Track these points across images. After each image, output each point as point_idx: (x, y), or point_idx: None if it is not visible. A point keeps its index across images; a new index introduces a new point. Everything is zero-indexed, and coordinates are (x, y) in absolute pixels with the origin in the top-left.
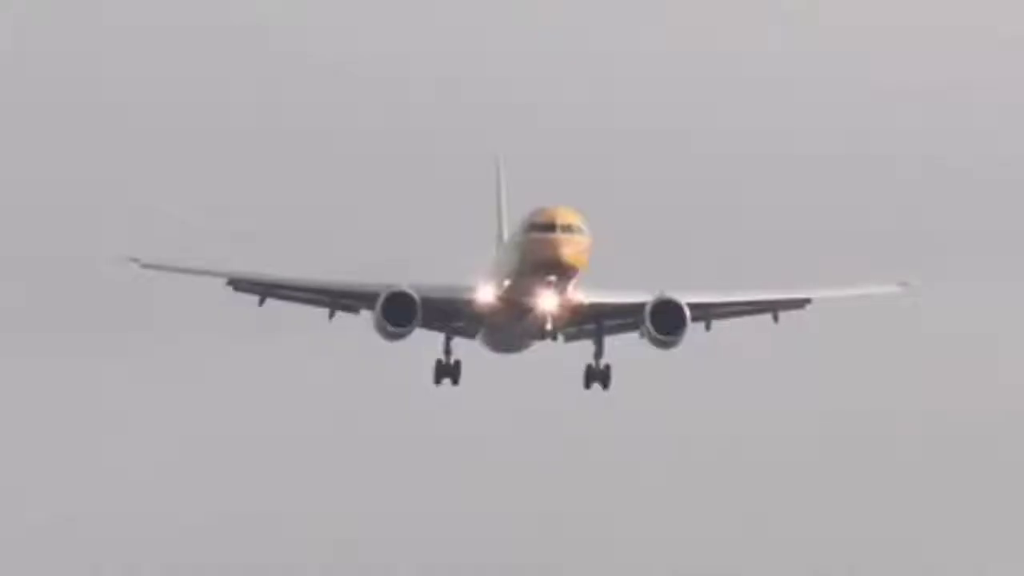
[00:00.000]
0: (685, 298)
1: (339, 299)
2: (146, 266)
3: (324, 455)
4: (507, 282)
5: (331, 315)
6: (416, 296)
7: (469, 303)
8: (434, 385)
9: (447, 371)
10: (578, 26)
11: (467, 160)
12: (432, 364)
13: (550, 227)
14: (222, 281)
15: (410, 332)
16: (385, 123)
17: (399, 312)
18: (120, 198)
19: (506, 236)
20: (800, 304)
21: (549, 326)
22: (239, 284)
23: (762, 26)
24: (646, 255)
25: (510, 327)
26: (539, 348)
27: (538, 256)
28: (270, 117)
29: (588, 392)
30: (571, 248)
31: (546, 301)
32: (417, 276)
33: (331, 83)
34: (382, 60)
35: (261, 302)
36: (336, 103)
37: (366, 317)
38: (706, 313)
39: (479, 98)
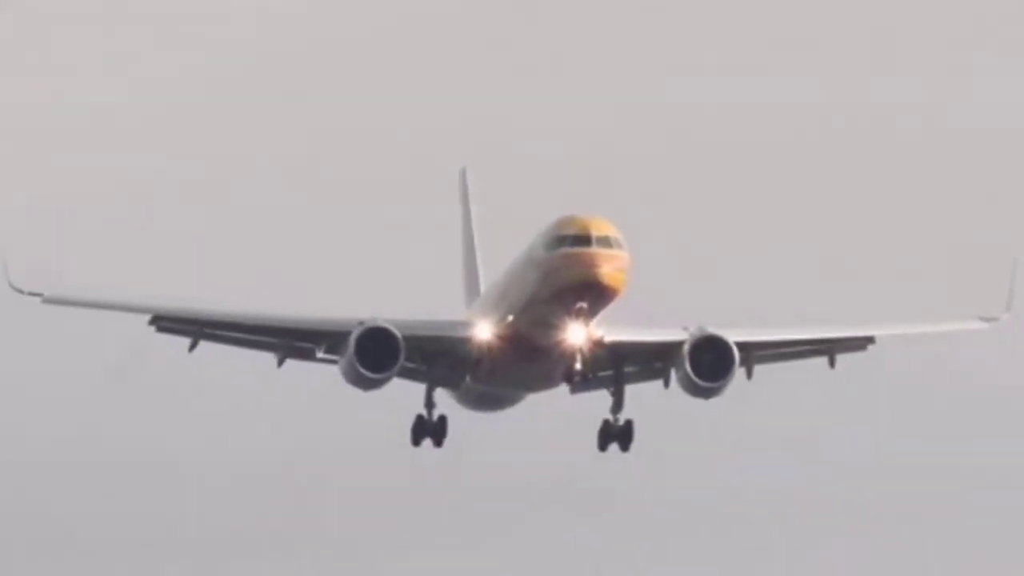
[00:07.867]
0: (728, 335)
1: (293, 341)
2: (49, 300)
3: None
4: (511, 316)
5: (280, 362)
6: (398, 334)
7: (464, 342)
8: (412, 446)
9: (429, 429)
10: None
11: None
12: (409, 421)
13: (584, 240)
14: (144, 319)
15: (389, 379)
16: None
17: (375, 354)
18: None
19: (479, 260)
20: (862, 344)
21: (579, 366)
22: (164, 323)
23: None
24: (659, 285)
25: (516, 372)
26: (537, 400)
27: (570, 276)
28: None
29: (604, 455)
30: (611, 265)
31: (571, 334)
32: (376, 310)
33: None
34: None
35: (192, 346)
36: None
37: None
38: (749, 356)
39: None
